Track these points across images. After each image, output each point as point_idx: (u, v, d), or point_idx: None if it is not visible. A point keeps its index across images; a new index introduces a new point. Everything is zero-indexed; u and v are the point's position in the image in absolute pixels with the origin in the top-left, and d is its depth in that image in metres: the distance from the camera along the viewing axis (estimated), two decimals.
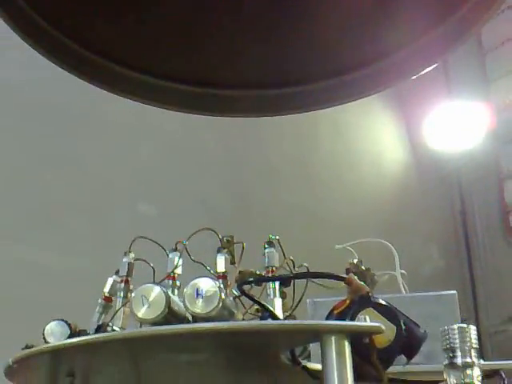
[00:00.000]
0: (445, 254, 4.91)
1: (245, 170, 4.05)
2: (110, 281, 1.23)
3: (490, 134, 4.70)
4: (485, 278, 4.95)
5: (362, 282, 0.97)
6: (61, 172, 3.25)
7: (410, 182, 4.92)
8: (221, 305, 0.92)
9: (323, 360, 0.89)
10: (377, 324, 0.88)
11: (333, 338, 0.88)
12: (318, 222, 4.08)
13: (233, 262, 1.22)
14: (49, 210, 3.14)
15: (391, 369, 1.00)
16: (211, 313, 0.91)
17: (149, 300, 0.91)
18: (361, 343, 0.90)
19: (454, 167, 5.01)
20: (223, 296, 0.93)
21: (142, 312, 0.92)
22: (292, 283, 1.19)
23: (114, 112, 3.51)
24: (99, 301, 1.23)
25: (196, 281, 0.93)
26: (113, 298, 1.23)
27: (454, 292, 1.19)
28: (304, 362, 1.13)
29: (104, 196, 3.39)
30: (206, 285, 0.92)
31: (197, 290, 0.92)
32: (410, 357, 0.99)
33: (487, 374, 1.11)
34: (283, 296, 1.20)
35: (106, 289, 1.23)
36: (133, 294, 0.95)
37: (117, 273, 1.23)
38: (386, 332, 0.92)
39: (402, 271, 1.37)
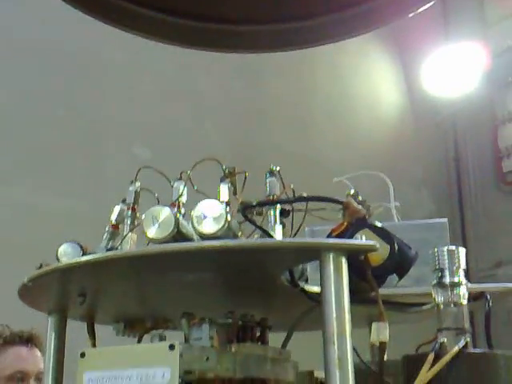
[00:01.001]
0: (437, 199, 4.99)
1: (241, 113, 4.06)
2: (116, 209, 1.28)
3: (485, 79, 4.71)
4: (475, 223, 5.05)
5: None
6: (58, 115, 3.26)
7: (405, 126, 4.95)
8: (226, 226, 0.97)
9: (322, 276, 0.96)
10: (372, 242, 0.95)
11: (331, 255, 0.94)
12: (313, 166, 4.13)
13: (234, 193, 1.28)
14: (46, 154, 3.17)
15: (383, 291, 1.07)
16: (218, 233, 0.97)
17: (158, 220, 0.97)
18: (357, 261, 0.97)
19: (450, 113, 5.03)
20: (229, 218, 0.98)
21: (152, 232, 0.97)
22: (291, 213, 1.25)
23: (110, 54, 3.49)
24: (106, 228, 1.29)
25: (203, 202, 0.98)
26: (120, 225, 1.29)
27: (445, 220, 1.25)
28: (302, 285, 1.20)
29: (101, 139, 3.42)
30: (213, 206, 0.97)
31: (204, 211, 0.97)
32: (401, 276, 1.05)
33: (473, 297, 1.18)
34: (282, 225, 1.26)
35: (114, 217, 1.28)
36: (143, 216, 1.00)
37: (123, 201, 1.28)
38: (381, 251, 0.99)
39: (396, 203, 1.42)
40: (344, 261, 0.94)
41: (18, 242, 2.86)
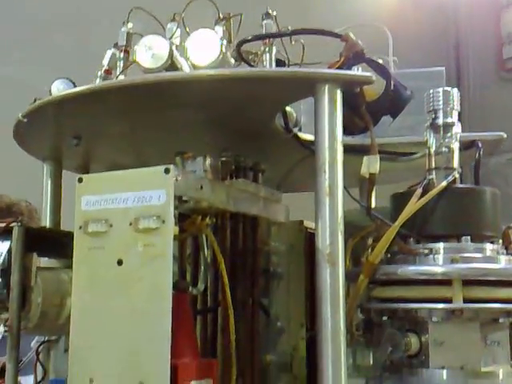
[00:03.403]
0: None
1: None
2: (108, 53, 1.25)
3: None
4: (471, 112, 5.02)
5: None
6: None
7: (405, 10, 4.78)
8: (221, 58, 0.96)
9: (316, 110, 0.96)
10: (368, 74, 0.94)
11: (326, 87, 0.93)
12: (311, 45, 4.02)
13: (229, 41, 1.25)
14: (35, 28, 3.07)
15: (377, 140, 1.07)
16: (212, 64, 0.95)
17: (152, 49, 0.95)
18: (352, 95, 0.96)
19: None
20: (224, 49, 0.96)
21: (145, 61, 0.96)
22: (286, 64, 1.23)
23: None
24: (98, 74, 1.26)
25: (196, 32, 0.96)
26: (112, 71, 1.26)
27: (442, 68, 1.24)
28: (295, 131, 1.20)
29: (89, 12, 3.29)
30: (207, 35, 0.95)
31: (198, 41, 0.95)
32: (394, 115, 1.06)
33: (465, 146, 1.20)
34: None
35: (105, 61, 1.25)
36: (135, 46, 0.98)
37: (115, 45, 1.25)
38: (376, 86, 0.98)
39: (394, 58, 1.40)
40: (339, 93, 0.94)
41: (3, 119, 2.83)
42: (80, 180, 0.95)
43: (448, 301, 0.96)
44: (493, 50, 4.77)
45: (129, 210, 0.91)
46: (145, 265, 0.89)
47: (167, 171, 0.90)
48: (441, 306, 0.96)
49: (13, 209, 2.02)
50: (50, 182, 1.39)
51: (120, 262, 0.90)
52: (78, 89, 1.01)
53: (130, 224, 0.91)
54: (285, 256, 1.29)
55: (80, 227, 0.94)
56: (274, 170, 1.29)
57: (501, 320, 0.99)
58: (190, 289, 1.03)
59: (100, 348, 0.90)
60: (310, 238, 1.29)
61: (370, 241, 1.27)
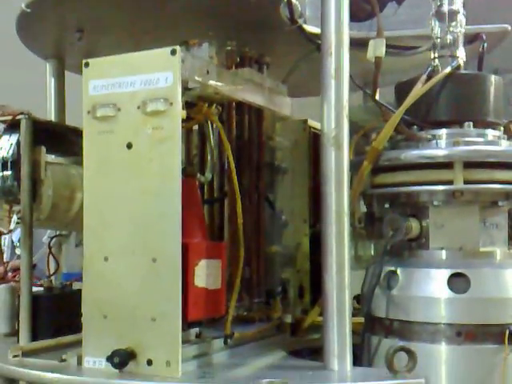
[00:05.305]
0: None
1: None
2: None
3: None
4: None
5: None
6: None
7: None
8: None
9: None
10: None
11: None
12: None
13: None
14: None
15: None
16: None
17: None
18: None
19: None
20: None
21: None
22: None
23: None
24: None
25: None
26: None
27: None
28: (301, 22, 1.19)
29: None
30: None
31: None
32: (400, 1, 1.05)
33: (469, 40, 1.19)
34: None
35: None
36: None
37: None
38: None
39: None
40: None
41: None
42: (86, 64, 0.96)
43: (449, 183, 0.98)
44: None
45: (136, 93, 0.92)
46: (154, 147, 0.90)
47: (173, 52, 0.90)
48: (442, 187, 0.98)
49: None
50: (53, 81, 1.39)
51: (129, 146, 0.92)
52: None
53: (138, 107, 0.91)
54: (289, 152, 1.31)
55: (88, 112, 0.95)
56: (279, 65, 1.28)
57: (500, 203, 1.02)
58: (198, 176, 1.05)
59: (114, 228, 0.93)
60: (314, 138, 1.30)
61: (373, 136, 1.29)
